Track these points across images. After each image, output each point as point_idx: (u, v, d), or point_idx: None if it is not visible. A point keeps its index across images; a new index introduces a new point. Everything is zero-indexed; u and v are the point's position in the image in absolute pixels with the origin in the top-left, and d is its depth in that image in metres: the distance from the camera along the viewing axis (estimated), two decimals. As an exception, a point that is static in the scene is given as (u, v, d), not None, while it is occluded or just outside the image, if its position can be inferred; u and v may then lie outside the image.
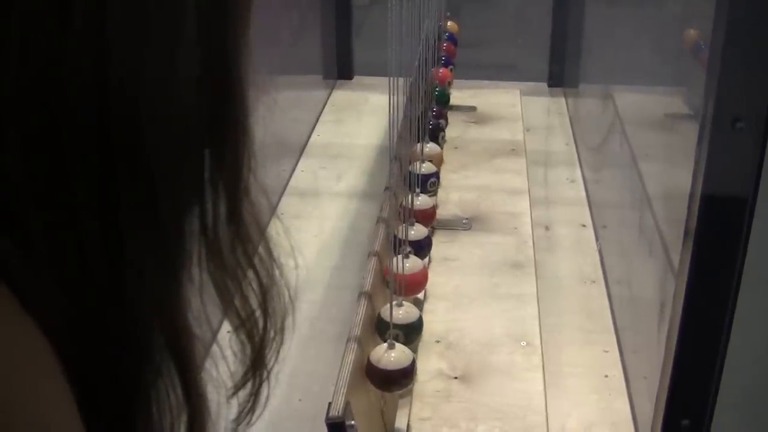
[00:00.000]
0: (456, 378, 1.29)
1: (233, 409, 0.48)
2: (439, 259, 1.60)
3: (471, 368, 1.31)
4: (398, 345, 1.16)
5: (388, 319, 1.19)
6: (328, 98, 2.39)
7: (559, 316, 1.49)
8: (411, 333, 1.24)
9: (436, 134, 1.83)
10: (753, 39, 0.80)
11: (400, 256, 1.28)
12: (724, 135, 0.83)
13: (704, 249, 0.89)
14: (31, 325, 0.35)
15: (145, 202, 0.39)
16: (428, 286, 1.52)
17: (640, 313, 1.34)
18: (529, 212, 1.76)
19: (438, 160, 1.76)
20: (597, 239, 1.72)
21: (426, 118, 1.78)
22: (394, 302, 1.20)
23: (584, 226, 1.79)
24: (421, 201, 1.54)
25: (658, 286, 1.13)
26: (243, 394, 0.47)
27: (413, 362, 1.16)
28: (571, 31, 2.37)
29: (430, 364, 1.32)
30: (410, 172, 1.50)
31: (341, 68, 2.49)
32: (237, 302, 0.45)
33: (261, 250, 0.45)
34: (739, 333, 0.90)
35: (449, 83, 2.04)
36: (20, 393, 0.34)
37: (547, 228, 1.77)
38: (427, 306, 1.46)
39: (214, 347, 0.47)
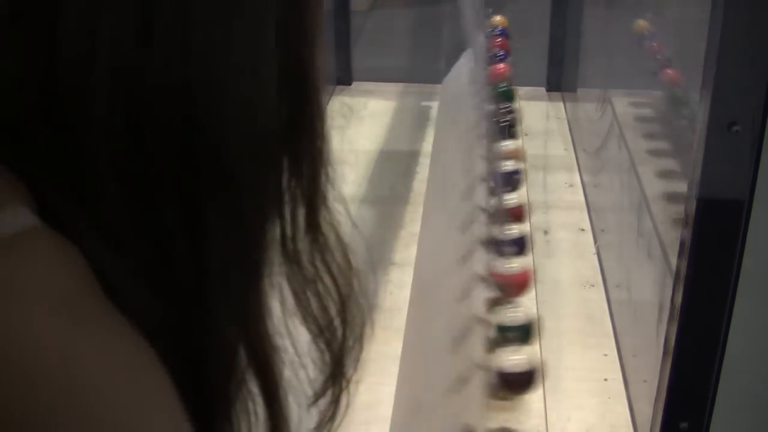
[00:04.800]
0: (455, 382, 1.29)
1: (313, 417, 0.48)
2: (438, 263, 1.60)
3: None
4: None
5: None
6: (327, 104, 2.39)
7: (558, 320, 1.49)
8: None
9: (511, 130, 1.83)
10: (748, 42, 0.80)
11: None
12: (721, 138, 0.83)
13: (701, 252, 0.89)
14: (92, 289, 0.35)
15: (230, 210, 0.39)
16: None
17: (639, 317, 1.34)
18: (528, 217, 1.76)
19: (519, 155, 1.74)
20: (595, 241, 1.73)
21: (497, 117, 1.78)
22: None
23: (583, 230, 1.79)
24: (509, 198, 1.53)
25: (657, 290, 1.13)
26: (323, 402, 0.47)
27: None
28: (569, 35, 2.38)
29: (429, 369, 1.32)
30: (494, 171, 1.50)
31: (340, 74, 2.50)
32: (316, 310, 0.45)
33: (339, 258, 0.45)
34: (737, 336, 0.90)
35: (509, 78, 2.03)
36: (57, 345, 0.33)
37: (546, 232, 1.77)
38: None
39: (294, 356, 0.46)
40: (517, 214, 1.52)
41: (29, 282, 0.33)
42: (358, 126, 2.27)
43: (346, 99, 2.41)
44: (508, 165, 1.63)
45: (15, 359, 0.32)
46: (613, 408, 1.30)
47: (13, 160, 0.36)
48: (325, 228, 0.44)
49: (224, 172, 0.39)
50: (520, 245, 1.42)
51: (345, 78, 2.50)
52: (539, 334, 1.25)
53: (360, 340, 0.47)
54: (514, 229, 1.44)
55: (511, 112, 1.88)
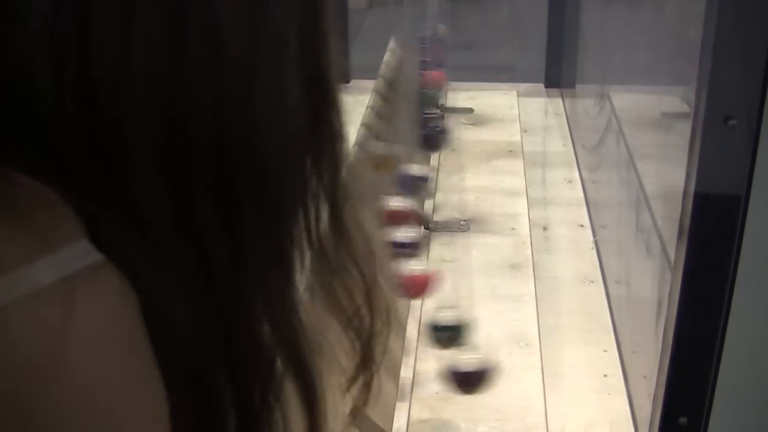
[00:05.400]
0: (455, 379, 1.29)
1: (347, 403, 0.50)
2: (437, 260, 1.60)
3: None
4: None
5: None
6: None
7: (557, 317, 1.49)
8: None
9: (442, 137, 1.81)
10: (744, 37, 0.80)
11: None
12: (717, 132, 0.83)
13: (699, 246, 0.89)
14: (139, 324, 0.37)
15: (265, 213, 0.40)
16: (427, 287, 1.52)
17: (638, 313, 1.34)
18: (527, 213, 1.76)
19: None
20: (594, 236, 1.73)
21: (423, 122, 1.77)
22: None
23: (582, 226, 1.79)
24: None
25: (656, 285, 1.13)
26: (355, 388, 0.49)
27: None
28: (567, 32, 2.38)
29: (429, 366, 1.32)
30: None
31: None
32: (343, 300, 0.46)
33: (362, 248, 0.47)
34: (735, 330, 0.90)
35: (442, 86, 2.03)
36: (110, 386, 0.35)
37: (545, 228, 1.77)
38: (425, 307, 1.46)
39: (326, 345, 0.48)
40: (408, 218, 1.51)
41: (92, 322, 0.35)
42: (356, 125, 2.27)
43: (344, 97, 2.41)
44: (415, 169, 1.62)
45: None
46: (613, 403, 1.30)
47: (59, 186, 0.37)
48: (348, 221, 0.45)
49: (258, 175, 0.40)
50: (414, 248, 1.44)
51: (343, 76, 2.49)
52: (471, 335, 1.25)
53: (387, 324, 0.48)
54: (411, 233, 1.44)
55: (436, 118, 1.86)
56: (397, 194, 1.53)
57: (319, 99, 0.43)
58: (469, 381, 1.14)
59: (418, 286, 1.36)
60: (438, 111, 1.93)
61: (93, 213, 0.37)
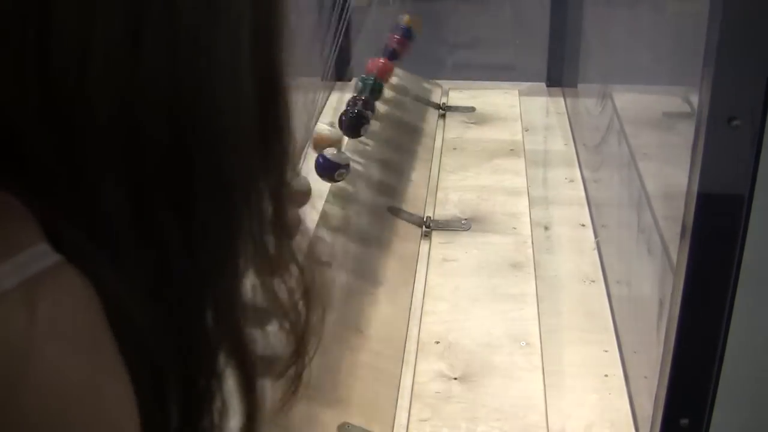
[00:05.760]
0: (456, 379, 1.29)
1: (277, 391, 0.52)
2: (438, 259, 1.60)
3: (471, 369, 1.31)
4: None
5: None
6: (326, 100, 2.39)
7: (558, 316, 1.49)
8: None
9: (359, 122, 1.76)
10: (748, 36, 0.80)
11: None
12: (720, 133, 0.83)
13: (701, 247, 0.88)
14: (101, 321, 0.37)
15: (219, 208, 0.42)
16: (428, 286, 1.52)
17: (639, 313, 1.34)
18: (528, 212, 1.76)
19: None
20: (595, 236, 1.72)
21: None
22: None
23: (583, 225, 1.79)
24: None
25: (658, 285, 1.13)
26: (286, 378, 0.52)
27: None
28: (569, 30, 2.37)
29: (429, 365, 1.32)
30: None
31: (340, 70, 2.49)
32: (282, 295, 0.49)
33: (303, 246, 0.50)
34: (737, 331, 0.89)
35: (385, 75, 1.98)
36: (79, 384, 0.36)
37: (546, 228, 1.77)
38: (426, 307, 1.46)
39: (260, 336, 0.50)
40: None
41: (55, 321, 0.36)
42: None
43: (346, 95, 2.41)
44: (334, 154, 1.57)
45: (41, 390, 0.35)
46: (614, 404, 1.30)
47: (16, 188, 0.38)
48: (291, 219, 0.48)
49: (214, 170, 0.41)
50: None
51: (345, 74, 2.49)
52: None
53: (321, 321, 0.51)
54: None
55: (365, 104, 1.80)
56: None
57: (270, 95, 0.45)
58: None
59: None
60: (363, 97, 1.84)
61: (50, 212, 0.38)
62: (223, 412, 0.46)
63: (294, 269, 0.49)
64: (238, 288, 0.45)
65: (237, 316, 0.45)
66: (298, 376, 0.52)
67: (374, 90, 1.91)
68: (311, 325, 0.51)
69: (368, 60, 1.99)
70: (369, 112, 1.83)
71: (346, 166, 1.59)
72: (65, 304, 0.36)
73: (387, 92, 2.08)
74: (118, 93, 0.38)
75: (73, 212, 0.38)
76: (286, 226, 0.47)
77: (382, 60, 1.98)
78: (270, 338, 0.50)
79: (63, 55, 0.37)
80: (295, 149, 0.47)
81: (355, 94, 1.86)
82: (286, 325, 0.50)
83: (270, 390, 0.51)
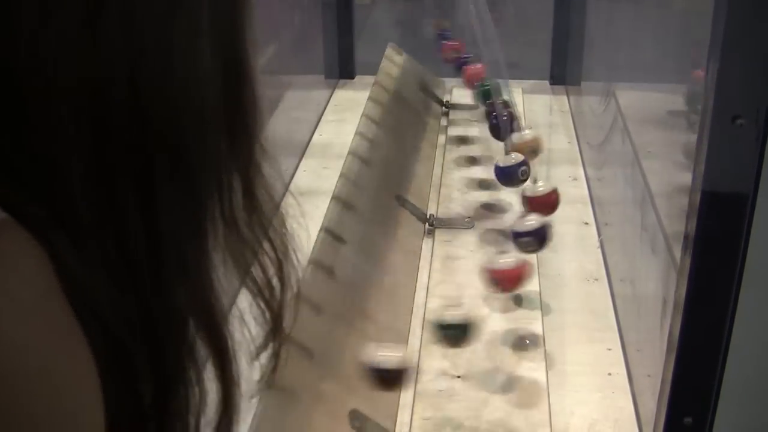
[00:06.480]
0: (459, 377, 1.29)
1: (256, 371, 0.53)
2: (441, 257, 1.60)
3: (474, 367, 1.31)
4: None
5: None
6: (330, 98, 2.39)
7: (562, 315, 1.49)
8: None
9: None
10: (753, 35, 0.79)
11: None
12: (725, 131, 0.83)
13: (705, 246, 0.88)
14: (63, 304, 0.37)
15: (180, 187, 0.42)
16: (430, 285, 1.52)
17: (643, 311, 1.34)
18: (531, 210, 1.75)
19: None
20: (599, 235, 1.72)
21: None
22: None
23: (587, 224, 1.78)
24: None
25: (661, 284, 1.13)
26: (264, 356, 0.52)
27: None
28: (573, 28, 2.37)
29: (432, 364, 1.32)
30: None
31: (343, 68, 2.49)
32: (255, 272, 0.49)
33: (275, 222, 0.50)
34: (740, 330, 0.89)
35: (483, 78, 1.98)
36: (39, 364, 0.36)
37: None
38: (429, 305, 1.46)
39: (237, 315, 0.50)
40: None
41: (3, 278, 0.36)
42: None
43: (349, 93, 2.41)
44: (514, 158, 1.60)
45: None
46: (617, 402, 1.30)
47: None
48: (261, 195, 0.48)
49: (173, 149, 0.41)
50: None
51: (348, 72, 2.49)
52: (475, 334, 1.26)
53: (297, 297, 0.51)
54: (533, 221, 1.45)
55: (504, 105, 1.83)
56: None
57: (234, 77, 0.45)
58: (387, 379, 1.12)
59: (510, 279, 1.35)
60: (500, 101, 1.85)
61: (8, 188, 0.38)
62: (199, 386, 0.46)
63: (267, 244, 0.49)
64: (206, 264, 0.45)
65: (206, 289, 0.45)
66: (276, 355, 0.52)
67: (494, 91, 1.91)
68: (285, 302, 0.51)
69: (465, 70, 1.99)
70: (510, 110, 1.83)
71: (524, 162, 1.60)
72: (11, 260, 0.36)
73: (394, 83, 2.10)
74: (76, 71, 0.38)
75: (33, 189, 0.38)
76: (257, 204, 0.48)
77: (475, 66, 1.98)
78: (245, 316, 0.51)
79: (19, 28, 0.37)
80: (264, 129, 0.47)
81: (489, 102, 1.84)
82: (261, 302, 0.50)
83: (248, 369, 0.51)
